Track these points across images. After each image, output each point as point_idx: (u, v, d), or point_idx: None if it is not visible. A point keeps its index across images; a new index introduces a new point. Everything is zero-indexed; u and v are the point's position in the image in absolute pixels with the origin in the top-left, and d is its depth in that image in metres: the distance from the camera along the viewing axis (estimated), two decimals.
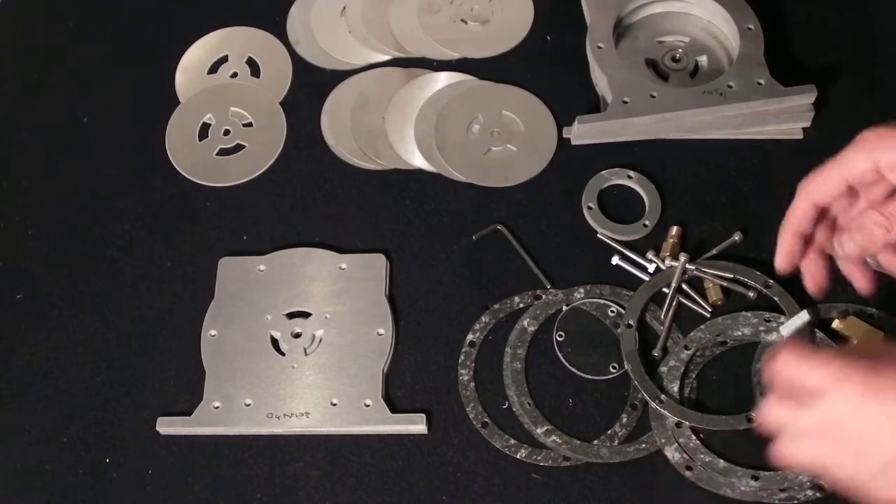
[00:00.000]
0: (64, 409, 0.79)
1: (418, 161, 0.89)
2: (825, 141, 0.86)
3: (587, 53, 0.91)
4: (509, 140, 0.89)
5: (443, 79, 0.93)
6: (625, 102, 0.86)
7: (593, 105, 0.90)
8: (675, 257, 0.80)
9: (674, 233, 0.82)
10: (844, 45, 0.92)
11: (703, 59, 0.91)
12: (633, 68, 0.89)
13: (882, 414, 0.54)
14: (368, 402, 0.76)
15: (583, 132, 0.87)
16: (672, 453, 0.73)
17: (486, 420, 0.76)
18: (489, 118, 0.90)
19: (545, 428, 0.75)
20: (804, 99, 0.85)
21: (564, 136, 0.88)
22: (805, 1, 0.95)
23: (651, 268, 0.81)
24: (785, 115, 0.86)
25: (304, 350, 0.79)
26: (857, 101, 0.89)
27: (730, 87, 0.86)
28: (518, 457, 0.75)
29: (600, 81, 0.89)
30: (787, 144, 0.87)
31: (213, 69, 0.96)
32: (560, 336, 0.79)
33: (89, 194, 0.89)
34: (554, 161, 0.88)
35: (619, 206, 0.85)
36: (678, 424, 0.74)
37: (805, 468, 0.59)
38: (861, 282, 0.70)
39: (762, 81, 0.85)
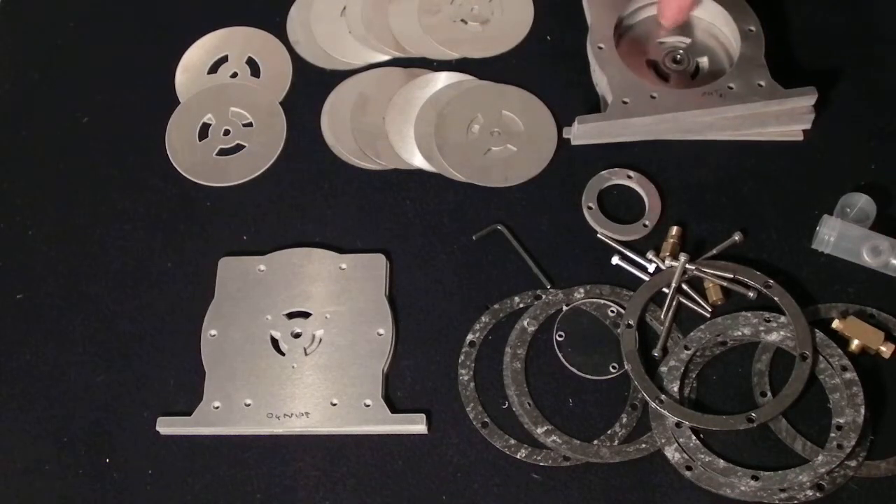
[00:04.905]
0: (64, 409, 0.79)
1: (418, 161, 0.89)
2: (825, 143, 0.87)
3: (588, 54, 0.91)
4: (509, 140, 0.89)
5: (443, 79, 0.93)
6: (625, 103, 0.86)
7: (593, 105, 0.90)
8: (675, 257, 0.80)
9: (674, 233, 0.82)
10: (845, 47, 0.92)
11: (703, 61, 0.91)
12: (634, 69, 0.89)
13: None
14: (368, 402, 0.76)
15: (583, 132, 0.87)
16: (672, 453, 0.73)
17: (486, 420, 0.76)
18: (489, 118, 0.90)
19: (545, 428, 0.75)
20: (805, 101, 0.85)
21: (564, 136, 0.88)
22: (806, 3, 0.95)
23: (651, 268, 0.81)
24: (785, 117, 0.86)
25: (304, 350, 0.79)
26: (858, 103, 0.89)
27: (730, 88, 0.85)
28: (518, 457, 0.75)
29: (600, 82, 0.89)
30: (787, 146, 0.87)
31: (213, 69, 0.96)
32: (560, 336, 0.79)
33: (89, 194, 0.89)
34: (554, 161, 0.88)
35: (619, 206, 0.85)
36: (678, 424, 0.74)
37: None
38: None
39: (763, 83, 0.85)
